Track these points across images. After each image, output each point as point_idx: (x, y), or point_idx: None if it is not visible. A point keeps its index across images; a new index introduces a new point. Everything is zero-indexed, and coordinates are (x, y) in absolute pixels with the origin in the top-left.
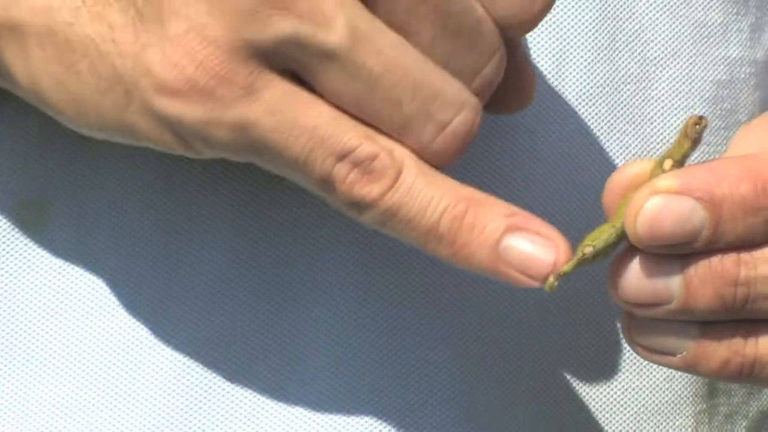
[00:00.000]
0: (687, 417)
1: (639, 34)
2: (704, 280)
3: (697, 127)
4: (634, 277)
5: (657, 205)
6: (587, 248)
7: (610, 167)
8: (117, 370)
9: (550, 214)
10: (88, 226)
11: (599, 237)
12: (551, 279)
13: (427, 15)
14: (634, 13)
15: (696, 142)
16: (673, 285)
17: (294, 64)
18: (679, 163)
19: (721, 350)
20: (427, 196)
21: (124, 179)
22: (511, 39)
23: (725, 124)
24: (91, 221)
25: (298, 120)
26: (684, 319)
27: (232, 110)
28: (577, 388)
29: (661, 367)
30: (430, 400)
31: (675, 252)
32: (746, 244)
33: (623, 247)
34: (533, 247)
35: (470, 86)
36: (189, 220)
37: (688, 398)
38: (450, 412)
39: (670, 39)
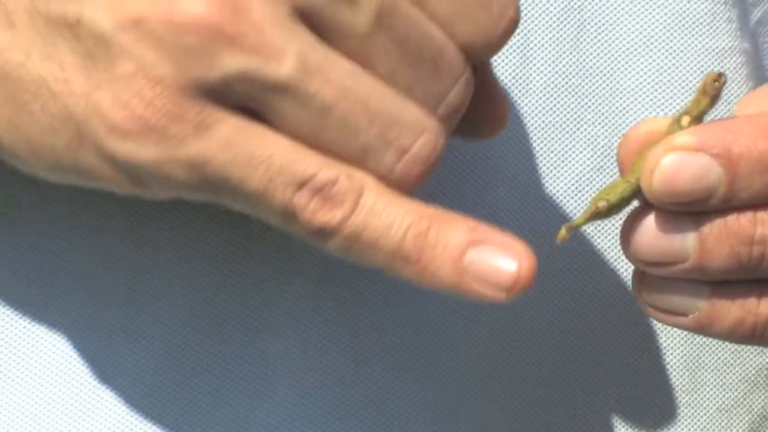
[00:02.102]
0: (662, 410)
1: (607, 26)
2: (719, 239)
3: (716, 83)
4: (649, 235)
5: (673, 162)
6: (601, 202)
7: (577, 159)
8: (86, 376)
9: (519, 206)
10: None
11: (613, 191)
12: (563, 230)
13: (385, 44)
14: (602, 5)
15: (714, 99)
16: (688, 243)
17: (246, 98)
18: (697, 120)
19: (734, 310)
20: (390, 216)
21: None
22: (479, 62)
23: (716, 115)
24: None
25: (253, 152)
26: (697, 279)
27: (186, 148)
28: (555, 381)
29: (633, 352)
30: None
31: (690, 209)
32: (763, 202)
33: (636, 205)
34: (496, 259)
35: (435, 113)
36: (159, 229)
37: (664, 390)
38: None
39: (642, 30)
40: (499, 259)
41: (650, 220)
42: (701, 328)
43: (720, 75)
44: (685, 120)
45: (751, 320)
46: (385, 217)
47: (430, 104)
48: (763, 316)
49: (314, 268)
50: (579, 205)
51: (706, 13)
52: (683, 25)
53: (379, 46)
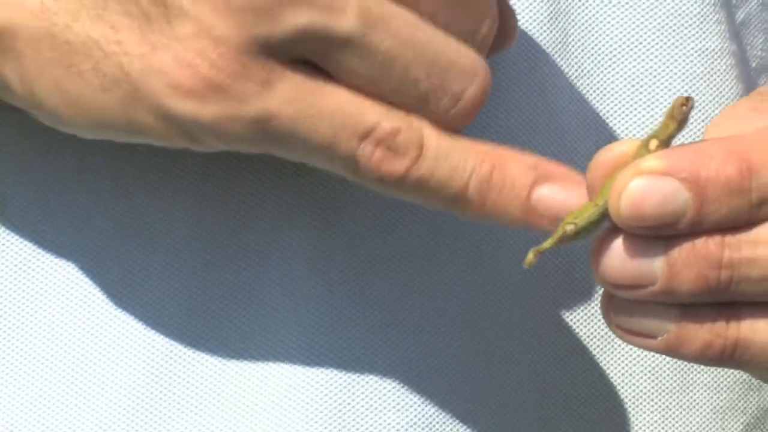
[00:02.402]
0: (652, 412)
1: (594, 29)
2: (688, 262)
3: (684, 108)
4: (617, 258)
5: (641, 186)
6: (569, 225)
7: (564, 162)
8: (82, 344)
9: None
10: (47, 212)
11: (581, 215)
12: (530, 255)
13: None
14: (587, 8)
15: (682, 123)
16: (656, 266)
17: (308, 53)
18: (665, 144)
19: (703, 333)
20: (453, 160)
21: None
22: None
23: (706, 117)
24: (50, 208)
25: (317, 106)
26: (666, 302)
27: (251, 105)
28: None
29: (622, 364)
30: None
31: (658, 233)
32: (730, 226)
33: (605, 227)
34: (563, 194)
35: (472, 47)
36: (151, 192)
37: (653, 392)
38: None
39: (630, 33)
40: (565, 194)
41: (618, 244)
42: (670, 351)
43: (688, 99)
44: (653, 144)
45: (719, 343)
46: (449, 162)
47: (467, 38)
48: (731, 339)
49: (317, 215)
50: None
51: (695, 15)
52: (672, 28)
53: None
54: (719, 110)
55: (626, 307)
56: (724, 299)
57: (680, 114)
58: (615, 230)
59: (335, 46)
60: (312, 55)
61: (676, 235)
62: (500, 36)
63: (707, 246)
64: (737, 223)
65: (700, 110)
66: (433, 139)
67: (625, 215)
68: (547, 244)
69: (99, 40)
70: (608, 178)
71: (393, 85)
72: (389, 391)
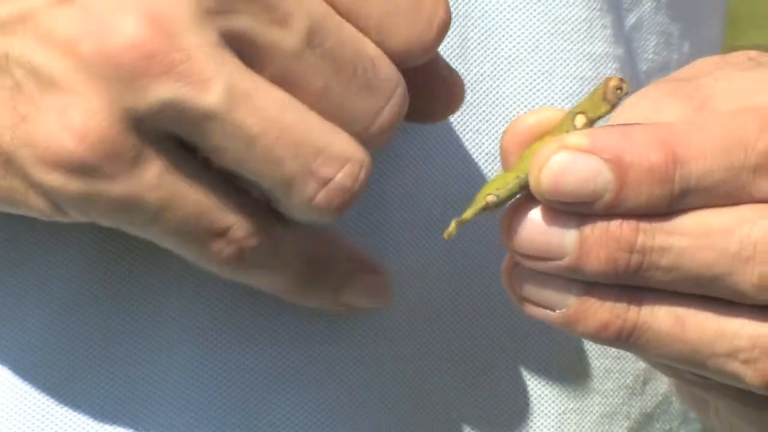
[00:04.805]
0: (550, 416)
1: (492, 33)
2: (600, 242)
3: (619, 92)
4: (529, 228)
5: (564, 161)
6: (490, 197)
7: (464, 166)
8: None
9: (408, 215)
10: None
11: (503, 186)
12: (452, 225)
13: (316, 62)
14: (486, 12)
15: (615, 106)
16: (567, 241)
17: (176, 127)
18: (591, 123)
19: (603, 311)
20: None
21: None
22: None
23: None
24: None
25: (179, 196)
26: (572, 277)
27: (116, 185)
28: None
29: (524, 360)
30: None
31: (575, 210)
32: (648, 213)
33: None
34: (361, 299)
35: (370, 129)
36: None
37: (552, 396)
38: None
39: (527, 36)
40: (363, 296)
41: (533, 214)
42: (568, 325)
43: (623, 82)
44: (580, 120)
45: (618, 324)
46: (277, 263)
47: (365, 121)
48: (630, 322)
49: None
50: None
51: (583, 20)
52: (563, 32)
53: (310, 63)
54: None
55: (530, 277)
56: (631, 284)
57: (615, 98)
58: (531, 199)
59: (199, 120)
60: (179, 130)
61: (593, 214)
62: (442, 102)
63: (621, 229)
64: (656, 211)
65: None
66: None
67: (545, 189)
68: (467, 214)
69: None
70: (528, 148)
71: (258, 165)
72: None
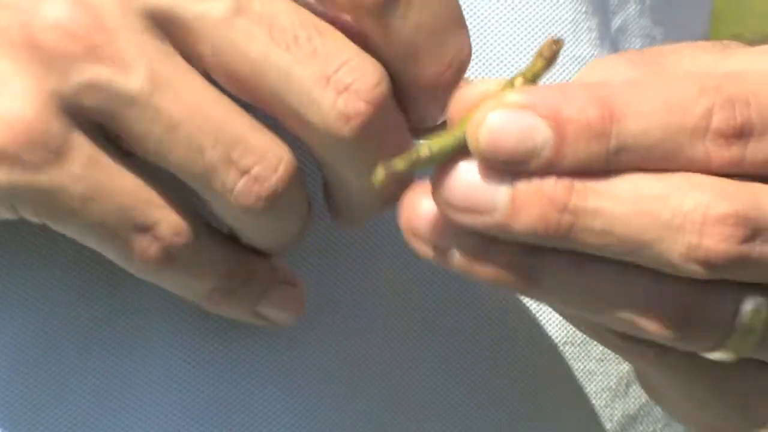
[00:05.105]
0: (529, 419)
1: (479, 34)
2: (532, 199)
3: (554, 47)
4: (461, 180)
5: (501, 118)
6: (423, 149)
7: None
8: None
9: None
10: None
11: (438, 143)
12: (380, 170)
13: (252, 30)
14: (473, 14)
15: (550, 61)
16: (499, 197)
17: (99, 113)
18: (531, 82)
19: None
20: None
21: None
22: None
23: None
24: None
25: (106, 188)
26: (502, 236)
27: (41, 175)
28: (418, 389)
29: (500, 364)
30: None
31: (513, 168)
32: (585, 171)
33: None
34: (278, 311)
35: (326, 90)
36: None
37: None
38: None
39: (513, 38)
40: (278, 308)
41: (466, 168)
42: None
43: (558, 40)
44: (519, 81)
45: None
46: (199, 268)
47: (317, 82)
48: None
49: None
50: None
51: (569, 22)
52: (549, 34)
53: (243, 30)
54: None
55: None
56: (562, 246)
57: (549, 52)
58: (465, 154)
59: (121, 104)
60: (102, 117)
61: (529, 172)
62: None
63: (555, 187)
64: (593, 170)
65: None
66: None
67: (483, 146)
68: (398, 164)
69: None
70: (469, 112)
71: (179, 153)
72: None
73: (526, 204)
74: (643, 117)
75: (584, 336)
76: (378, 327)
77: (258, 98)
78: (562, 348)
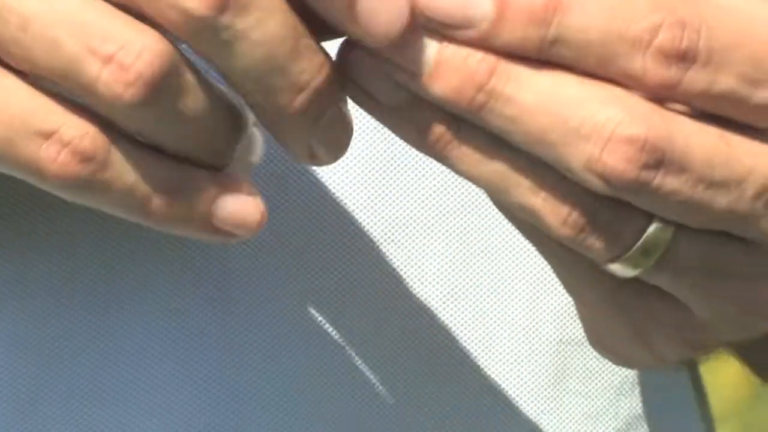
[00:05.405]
0: (528, 418)
1: None
2: (453, 69)
3: None
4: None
5: None
6: None
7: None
8: None
9: (370, 197)
10: None
11: None
12: None
13: None
14: None
15: None
16: (426, 54)
17: None
18: None
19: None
20: (138, 174)
21: None
22: None
23: None
24: None
25: None
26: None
27: None
28: (412, 385)
29: (495, 361)
30: None
31: (444, 32)
32: (516, 54)
33: None
34: (240, 204)
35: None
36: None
37: (528, 398)
38: None
39: None
40: (245, 204)
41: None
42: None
43: None
44: None
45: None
46: (134, 173)
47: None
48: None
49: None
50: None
51: None
52: None
53: None
54: None
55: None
56: (473, 120)
57: None
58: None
59: None
60: None
61: (460, 40)
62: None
63: (478, 65)
64: (524, 54)
65: None
66: (122, 149)
67: (423, 3)
68: None
69: None
70: None
71: (39, 51)
72: None
73: (447, 71)
74: (586, 15)
75: (582, 334)
76: (358, 330)
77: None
78: (561, 346)
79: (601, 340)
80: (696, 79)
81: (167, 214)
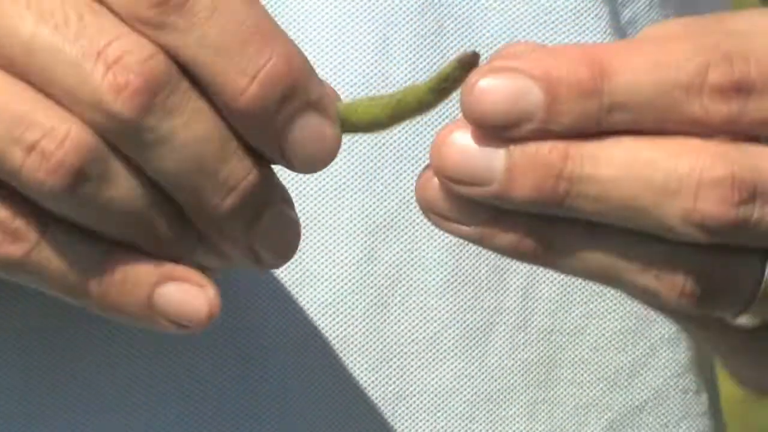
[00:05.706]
0: (519, 406)
1: (469, 20)
2: (527, 167)
3: (470, 58)
4: (457, 150)
5: (491, 81)
6: (398, 96)
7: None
8: None
9: (367, 198)
10: None
11: (412, 91)
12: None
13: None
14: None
15: (462, 67)
16: (495, 165)
17: None
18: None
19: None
20: (73, 255)
21: None
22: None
23: None
24: None
25: None
26: (502, 206)
27: None
28: (409, 374)
29: (493, 353)
30: None
31: (506, 134)
32: (579, 133)
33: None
34: (183, 295)
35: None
36: None
37: (521, 386)
38: None
39: (505, 25)
40: (183, 294)
41: (461, 136)
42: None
43: (475, 53)
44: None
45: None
46: (68, 256)
47: (87, 57)
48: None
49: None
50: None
51: (571, 10)
52: (548, 21)
53: (9, 12)
54: None
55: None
56: (561, 213)
57: (466, 58)
58: (462, 124)
59: None
60: None
61: (522, 137)
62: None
63: (550, 154)
64: (586, 130)
65: None
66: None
67: (474, 110)
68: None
69: None
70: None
71: None
72: None
73: (523, 172)
74: (634, 72)
75: (575, 324)
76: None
77: (31, 78)
78: (552, 335)
79: (748, 382)
80: (758, 107)
81: (106, 302)
